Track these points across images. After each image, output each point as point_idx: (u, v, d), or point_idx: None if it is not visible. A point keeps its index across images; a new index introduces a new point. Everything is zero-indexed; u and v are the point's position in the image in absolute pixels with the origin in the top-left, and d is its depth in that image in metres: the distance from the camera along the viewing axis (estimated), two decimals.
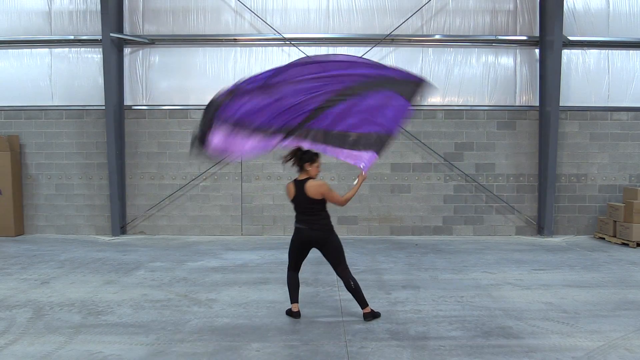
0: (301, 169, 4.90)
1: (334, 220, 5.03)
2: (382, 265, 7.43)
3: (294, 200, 4.93)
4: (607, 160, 10.11)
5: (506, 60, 10.17)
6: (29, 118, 10.19)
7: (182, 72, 10.14)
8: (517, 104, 10.15)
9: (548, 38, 9.68)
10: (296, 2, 10.06)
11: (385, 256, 8.11)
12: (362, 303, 5.01)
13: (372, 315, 5.02)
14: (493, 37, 10.04)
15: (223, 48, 10.11)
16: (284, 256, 8.11)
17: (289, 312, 5.20)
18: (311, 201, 4.84)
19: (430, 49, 10.09)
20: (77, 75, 10.16)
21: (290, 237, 5.07)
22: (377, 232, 10.09)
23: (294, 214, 4.98)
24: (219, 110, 4.47)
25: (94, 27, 9.97)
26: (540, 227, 9.95)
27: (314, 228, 4.88)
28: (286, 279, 5.19)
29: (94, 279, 6.61)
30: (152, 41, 10.07)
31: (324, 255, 5.01)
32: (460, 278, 6.70)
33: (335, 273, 5.06)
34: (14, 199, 9.89)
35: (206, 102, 4.53)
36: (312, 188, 4.83)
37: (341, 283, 6.34)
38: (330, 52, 10.00)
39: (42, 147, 10.21)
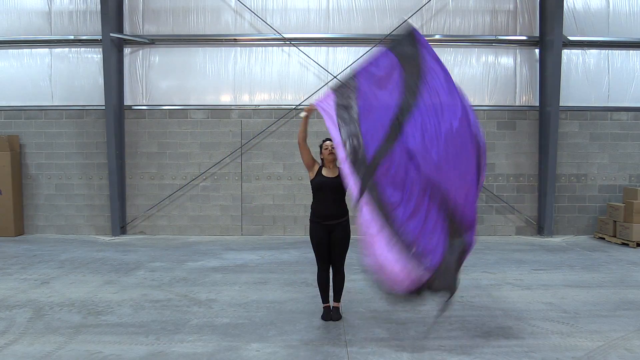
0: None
1: None
2: None
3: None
4: (607, 160, 10.11)
5: (506, 60, 10.17)
6: (29, 118, 10.19)
7: (182, 72, 10.12)
8: (517, 104, 10.15)
9: (548, 38, 9.68)
10: (296, 2, 10.05)
11: None
12: (340, 297, 5.13)
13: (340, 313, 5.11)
14: (493, 37, 10.04)
15: (223, 48, 10.11)
16: (284, 256, 8.15)
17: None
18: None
19: None
20: (77, 75, 10.16)
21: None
22: None
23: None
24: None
25: (94, 27, 9.97)
26: (540, 227, 9.95)
27: None
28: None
29: (94, 279, 6.61)
30: (152, 41, 10.07)
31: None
32: (460, 278, 6.67)
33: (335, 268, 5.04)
34: (14, 199, 9.89)
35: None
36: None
37: None
38: (330, 52, 10.03)
39: (42, 147, 10.21)
